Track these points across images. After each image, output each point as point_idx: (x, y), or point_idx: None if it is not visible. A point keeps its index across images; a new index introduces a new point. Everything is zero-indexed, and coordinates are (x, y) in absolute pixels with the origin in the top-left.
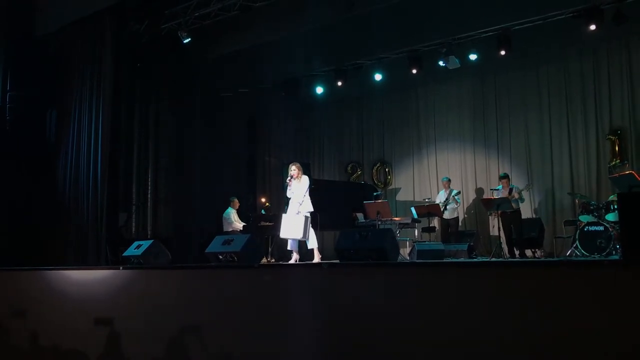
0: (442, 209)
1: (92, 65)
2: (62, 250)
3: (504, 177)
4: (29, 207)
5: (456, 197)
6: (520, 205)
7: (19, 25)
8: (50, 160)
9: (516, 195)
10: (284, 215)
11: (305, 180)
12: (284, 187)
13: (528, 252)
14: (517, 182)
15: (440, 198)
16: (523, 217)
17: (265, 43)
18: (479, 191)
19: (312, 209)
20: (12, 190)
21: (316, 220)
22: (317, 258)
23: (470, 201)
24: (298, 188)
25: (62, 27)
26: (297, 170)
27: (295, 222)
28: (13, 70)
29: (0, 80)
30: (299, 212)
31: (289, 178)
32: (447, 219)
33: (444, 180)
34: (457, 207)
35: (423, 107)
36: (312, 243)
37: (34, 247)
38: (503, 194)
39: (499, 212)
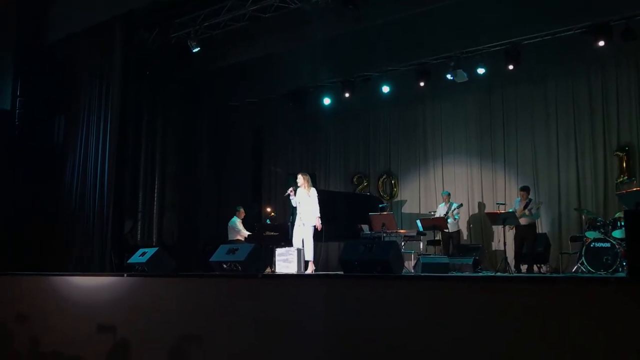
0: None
1: (100, 72)
2: (67, 255)
3: (523, 189)
4: (35, 212)
5: (455, 214)
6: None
7: (29, 32)
8: (57, 166)
9: (534, 209)
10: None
11: (314, 192)
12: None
13: (534, 268)
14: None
15: (440, 212)
16: None
17: (273, 54)
18: (485, 205)
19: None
20: (19, 195)
21: (321, 231)
22: (310, 269)
23: (477, 215)
24: (308, 201)
25: (72, 34)
26: (303, 180)
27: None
28: (22, 76)
29: (10, 85)
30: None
31: (290, 189)
32: (449, 232)
33: (444, 194)
34: (457, 221)
35: (430, 119)
36: (309, 255)
37: (39, 252)
38: (520, 205)
39: (514, 225)
